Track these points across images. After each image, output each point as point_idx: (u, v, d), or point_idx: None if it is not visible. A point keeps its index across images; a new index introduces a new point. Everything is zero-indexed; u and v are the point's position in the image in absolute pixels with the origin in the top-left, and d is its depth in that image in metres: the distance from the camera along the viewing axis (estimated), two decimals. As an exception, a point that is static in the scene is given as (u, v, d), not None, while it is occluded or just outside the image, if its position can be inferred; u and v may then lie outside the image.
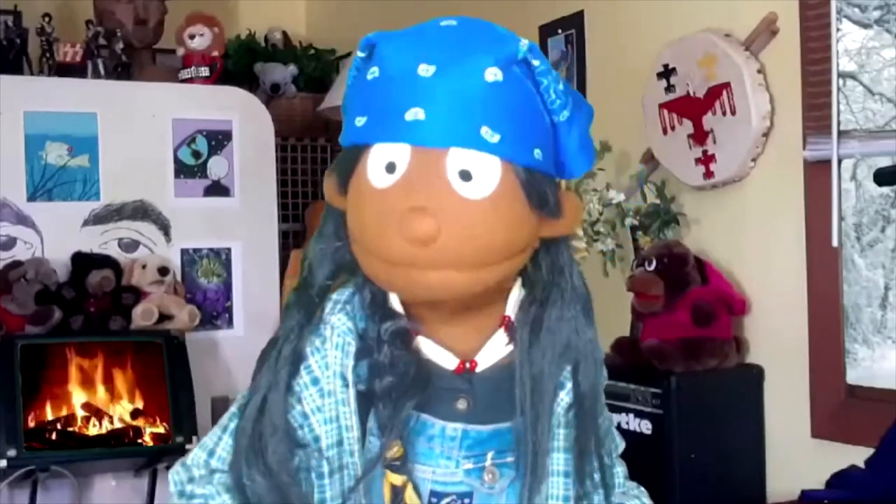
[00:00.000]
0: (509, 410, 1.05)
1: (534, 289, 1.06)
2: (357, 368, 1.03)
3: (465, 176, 0.93)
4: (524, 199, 0.96)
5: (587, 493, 1.09)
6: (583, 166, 1.04)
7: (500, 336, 1.06)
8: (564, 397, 1.08)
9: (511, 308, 1.07)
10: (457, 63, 0.94)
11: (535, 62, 0.96)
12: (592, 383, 1.08)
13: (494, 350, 1.06)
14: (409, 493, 1.02)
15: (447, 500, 1.05)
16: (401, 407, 1.00)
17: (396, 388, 1.01)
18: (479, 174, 0.93)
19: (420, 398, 1.02)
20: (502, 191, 0.94)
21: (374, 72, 0.96)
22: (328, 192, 1.04)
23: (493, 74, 0.93)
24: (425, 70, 0.93)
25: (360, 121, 0.97)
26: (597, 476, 1.10)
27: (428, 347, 1.04)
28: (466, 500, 1.06)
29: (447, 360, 1.04)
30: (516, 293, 1.07)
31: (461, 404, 1.04)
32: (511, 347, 1.06)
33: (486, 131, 0.93)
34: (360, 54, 1.00)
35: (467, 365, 1.04)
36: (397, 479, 1.02)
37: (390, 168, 0.94)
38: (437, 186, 0.93)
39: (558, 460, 1.08)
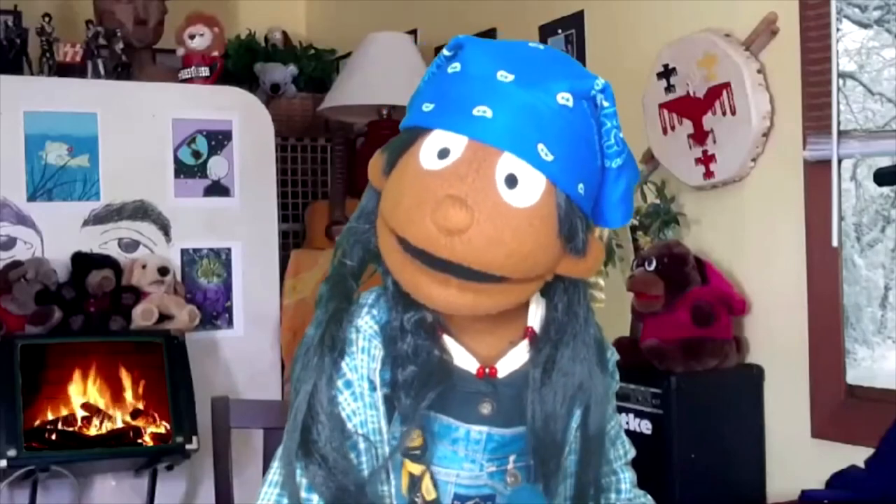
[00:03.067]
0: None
1: (548, 328, 1.07)
2: (382, 372, 1.04)
3: (511, 182, 0.94)
4: (556, 226, 0.97)
5: None
6: (619, 219, 1.05)
7: (524, 346, 1.07)
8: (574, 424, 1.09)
9: (532, 319, 1.08)
10: (534, 78, 0.96)
11: (605, 103, 0.99)
12: (600, 426, 1.09)
13: (516, 358, 1.07)
14: (427, 483, 1.03)
15: (471, 502, 1.06)
16: (422, 397, 1.01)
17: (418, 377, 1.01)
18: (524, 185, 0.94)
19: (442, 388, 1.02)
20: (540, 209, 0.95)
21: (455, 67, 1.00)
22: (373, 171, 1.04)
23: (564, 99, 0.96)
24: (504, 76, 0.96)
25: (427, 106, 0.99)
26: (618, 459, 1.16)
27: (451, 347, 1.05)
28: (489, 503, 1.07)
29: (468, 363, 1.05)
30: (535, 305, 1.08)
31: (485, 408, 1.05)
32: (531, 354, 1.07)
33: (542, 148, 0.95)
34: (446, 53, 1.03)
35: (487, 371, 1.05)
36: (416, 468, 1.02)
37: (443, 153, 0.96)
38: (482, 182, 0.94)
39: (573, 462, 1.10)
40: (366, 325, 1.06)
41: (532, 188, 0.95)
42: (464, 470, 1.05)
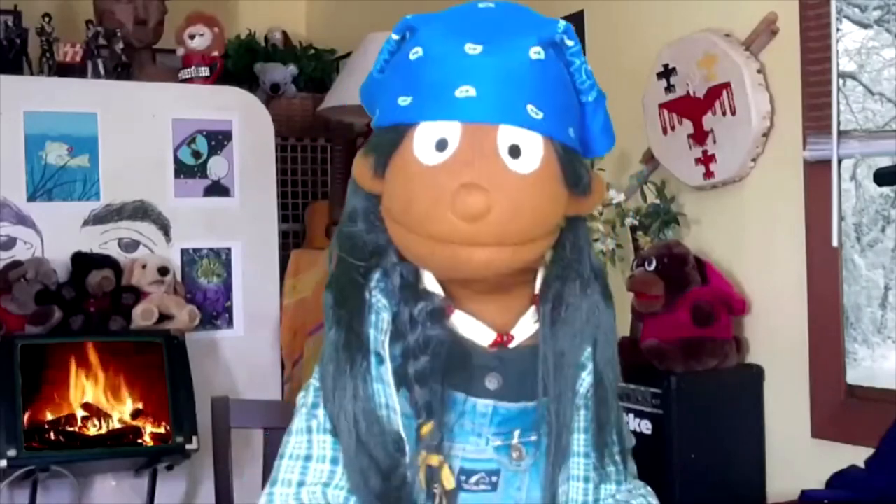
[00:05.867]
0: (535, 390, 1.06)
1: (555, 266, 1.07)
2: (391, 347, 1.03)
3: (515, 152, 0.95)
4: (561, 176, 0.99)
5: (605, 467, 1.11)
6: (605, 146, 1.07)
7: (532, 314, 1.08)
8: (586, 377, 1.09)
9: (539, 286, 1.08)
10: (503, 42, 0.96)
11: (570, 42, 0.99)
12: (610, 358, 1.10)
13: (527, 326, 1.07)
14: (445, 473, 1.03)
15: (476, 477, 1.06)
16: (436, 389, 1.01)
17: (431, 368, 1.01)
18: (526, 150, 0.95)
19: (457, 379, 1.02)
20: (545, 167, 0.97)
21: (417, 52, 0.97)
22: (360, 174, 1.03)
23: (536, 53, 0.96)
24: (472, 49, 0.95)
25: (404, 100, 0.97)
26: (616, 453, 1.13)
27: (463, 323, 1.05)
28: (494, 478, 1.07)
29: (484, 335, 1.05)
30: (543, 272, 1.09)
31: (491, 382, 1.05)
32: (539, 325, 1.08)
33: (531, 108, 0.95)
34: (395, 37, 1.01)
35: (504, 338, 1.05)
36: (434, 460, 1.02)
37: (441, 145, 0.95)
38: (489, 162, 0.94)
39: (579, 441, 1.10)
40: (374, 299, 1.05)
41: (533, 150, 0.96)
42: (469, 444, 1.05)
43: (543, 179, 0.96)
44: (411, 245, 0.99)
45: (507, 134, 0.95)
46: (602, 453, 1.10)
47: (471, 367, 1.04)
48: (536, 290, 1.08)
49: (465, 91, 0.94)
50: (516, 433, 1.07)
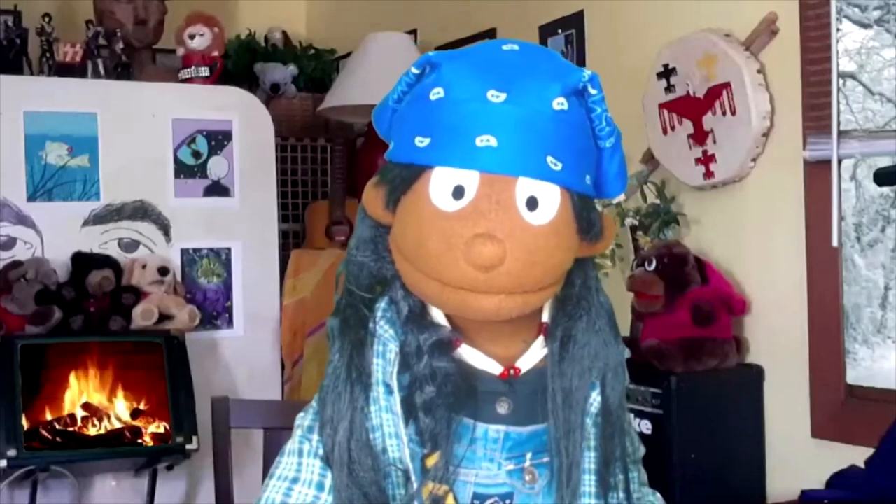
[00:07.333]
0: (545, 412, 1.06)
1: (564, 304, 1.07)
2: (400, 377, 1.04)
3: (532, 204, 0.95)
4: (575, 225, 0.99)
5: (609, 501, 1.10)
6: (617, 189, 1.06)
7: (540, 343, 1.08)
8: (596, 397, 1.08)
9: (547, 316, 1.08)
10: (527, 91, 0.95)
11: (593, 91, 0.98)
12: (619, 396, 1.09)
13: (534, 355, 1.07)
14: (450, 502, 1.03)
15: (489, 501, 1.06)
16: (442, 418, 1.01)
17: (437, 399, 1.01)
18: (543, 202, 0.95)
19: (464, 410, 1.03)
20: (561, 217, 0.96)
21: (437, 92, 0.96)
22: (372, 205, 1.03)
23: (559, 104, 0.95)
24: (495, 96, 0.94)
25: (421, 141, 0.96)
26: (621, 487, 1.11)
27: (471, 356, 1.05)
28: (507, 502, 1.07)
29: (491, 367, 1.05)
30: (551, 303, 1.08)
31: (502, 407, 1.06)
32: (546, 351, 1.08)
33: (551, 160, 0.95)
34: (414, 71, 1.01)
35: (511, 371, 1.06)
36: (438, 489, 1.03)
37: (458, 193, 0.94)
38: (506, 213, 0.94)
39: (590, 459, 1.09)
40: (381, 330, 1.06)
41: (550, 201, 0.95)
42: (482, 469, 1.05)
43: (558, 229, 0.96)
44: (419, 284, 0.99)
45: (526, 186, 0.94)
46: (606, 491, 1.09)
47: (480, 394, 1.05)
48: (544, 319, 1.08)
49: (486, 140, 0.93)
50: (528, 456, 1.07)
